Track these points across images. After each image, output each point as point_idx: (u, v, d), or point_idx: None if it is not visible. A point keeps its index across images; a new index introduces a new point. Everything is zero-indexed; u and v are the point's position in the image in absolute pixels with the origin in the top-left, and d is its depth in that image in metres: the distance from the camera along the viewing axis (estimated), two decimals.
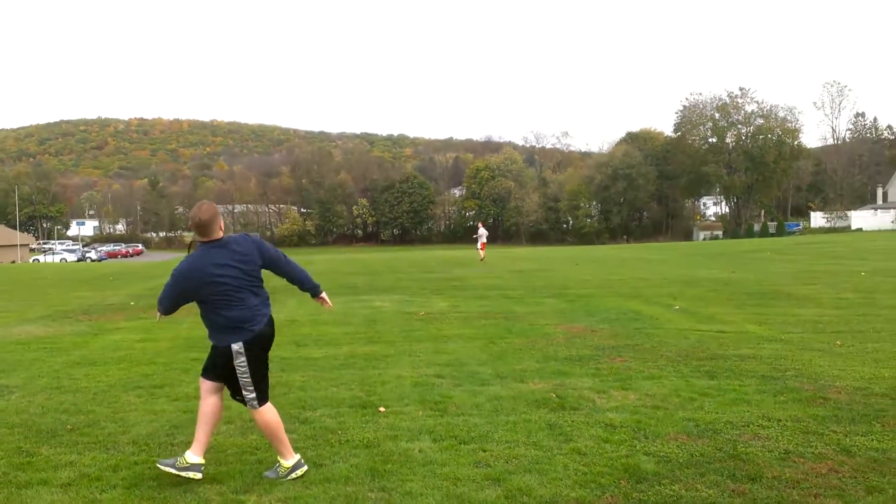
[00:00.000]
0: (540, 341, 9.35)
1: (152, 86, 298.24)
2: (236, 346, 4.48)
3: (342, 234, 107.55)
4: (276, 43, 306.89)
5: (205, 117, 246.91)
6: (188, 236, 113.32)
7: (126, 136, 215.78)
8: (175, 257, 70.78)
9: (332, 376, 7.45)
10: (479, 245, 32.35)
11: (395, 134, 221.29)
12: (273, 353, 8.75)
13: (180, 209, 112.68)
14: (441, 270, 26.30)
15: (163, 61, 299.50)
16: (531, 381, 7.00)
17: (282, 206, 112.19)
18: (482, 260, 31.21)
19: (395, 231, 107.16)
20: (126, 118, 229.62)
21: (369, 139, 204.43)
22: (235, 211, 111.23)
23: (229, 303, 4.47)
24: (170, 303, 4.56)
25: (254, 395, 4.60)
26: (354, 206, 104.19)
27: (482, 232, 32.80)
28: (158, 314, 4.66)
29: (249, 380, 4.56)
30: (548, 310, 12.96)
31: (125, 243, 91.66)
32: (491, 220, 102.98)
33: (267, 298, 4.74)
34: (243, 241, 4.62)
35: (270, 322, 4.71)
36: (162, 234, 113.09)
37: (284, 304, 15.53)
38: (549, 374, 7.27)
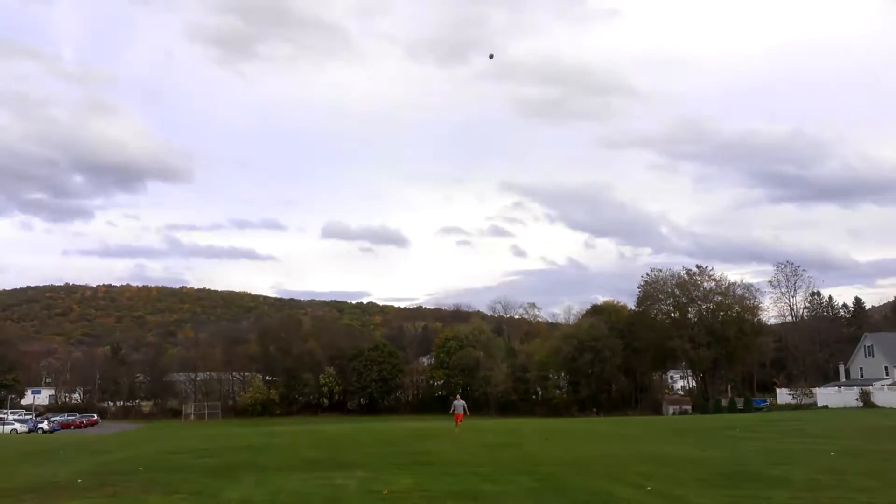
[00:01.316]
0: None
1: (123, 252, 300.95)
2: None
3: (308, 403, 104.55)
4: (247, 204, 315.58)
5: (174, 284, 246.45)
6: (147, 405, 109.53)
7: (93, 303, 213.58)
8: (131, 428, 67.94)
9: None
10: (454, 416, 33.02)
11: (365, 301, 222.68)
12: None
13: (140, 377, 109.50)
14: (407, 444, 25.58)
15: (130, 227, 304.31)
16: None
17: (246, 374, 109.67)
18: (454, 430, 31.38)
19: (363, 400, 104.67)
20: (94, 285, 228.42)
21: (339, 307, 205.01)
22: (198, 379, 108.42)
23: None
24: None
25: None
26: (321, 375, 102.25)
27: (458, 403, 33.83)
28: None
29: None
30: (516, 489, 12.55)
31: (80, 413, 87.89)
32: (460, 391, 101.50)
33: None
34: None
35: None
36: (120, 402, 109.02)
37: (240, 481, 14.84)
38: None
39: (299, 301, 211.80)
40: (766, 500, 11.04)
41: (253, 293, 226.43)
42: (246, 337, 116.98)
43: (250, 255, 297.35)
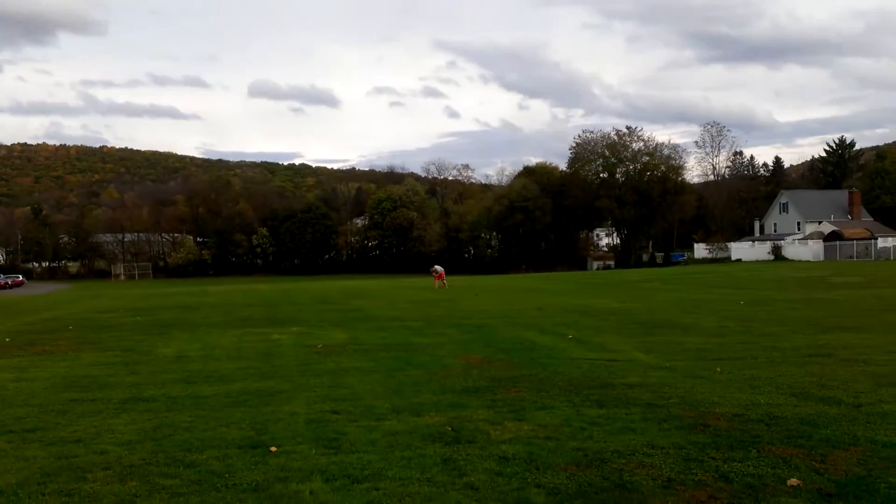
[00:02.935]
0: (438, 373, 9.37)
1: (36, 109, 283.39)
2: None
3: (242, 264, 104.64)
4: (166, 59, 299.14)
5: (94, 143, 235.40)
6: (73, 266, 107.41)
7: (8, 162, 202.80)
8: (59, 288, 66.83)
9: (221, 415, 7.19)
10: (434, 277, 35.84)
11: (297, 163, 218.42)
12: (159, 392, 8.45)
13: (65, 238, 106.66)
14: (342, 301, 26.05)
15: (42, 83, 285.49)
16: (427, 414, 7.00)
17: (176, 234, 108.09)
18: (443, 287, 33.55)
19: (297, 261, 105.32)
20: (8, 143, 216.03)
21: (270, 169, 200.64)
22: (126, 240, 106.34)
23: None
24: None
25: None
26: (254, 236, 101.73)
27: (438, 269, 36.84)
28: None
29: None
30: (447, 341, 13.03)
31: (4, 274, 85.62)
32: (394, 251, 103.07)
33: None
34: None
35: None
36: (45, 264, 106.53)
37: (174, 337, 14.93)
38: (446, 407, 7.29)
39: (228, 162, 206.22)
40: (679, 345, 11.80)
41: (179, 153, 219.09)
42: (174, 198, 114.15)
43: (172, 114, 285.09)
